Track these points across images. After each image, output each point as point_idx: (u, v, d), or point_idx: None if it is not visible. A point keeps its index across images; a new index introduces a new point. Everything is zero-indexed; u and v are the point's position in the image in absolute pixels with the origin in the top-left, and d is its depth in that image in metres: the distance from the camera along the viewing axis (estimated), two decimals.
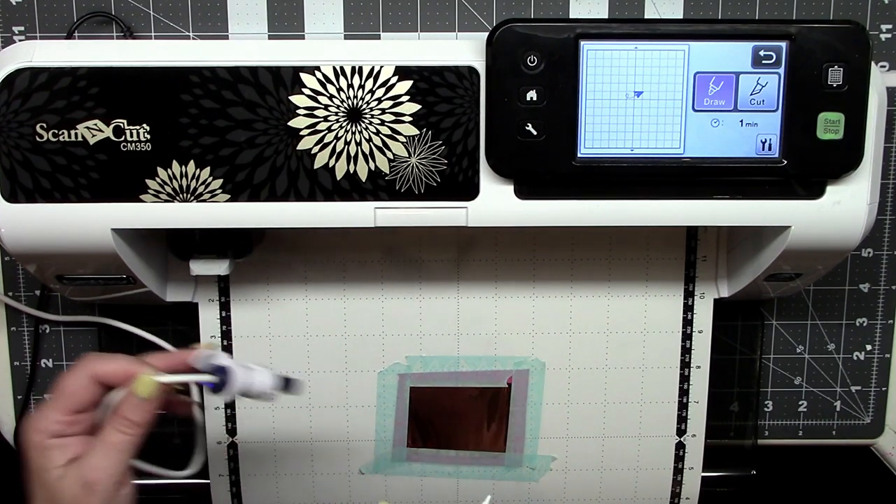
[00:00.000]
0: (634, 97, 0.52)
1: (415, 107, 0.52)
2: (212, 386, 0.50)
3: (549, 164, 0.52)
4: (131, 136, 0.51)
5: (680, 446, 0.67)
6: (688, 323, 0.65)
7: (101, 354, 0.50)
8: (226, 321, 0.64)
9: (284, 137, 0.52)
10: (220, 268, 0.58)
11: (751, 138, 0.52)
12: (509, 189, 0.53)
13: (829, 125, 0.51)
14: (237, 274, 0.62)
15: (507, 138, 0.51)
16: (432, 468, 0.67)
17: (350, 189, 0.53)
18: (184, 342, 0.63)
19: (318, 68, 0.51)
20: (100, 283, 0.59)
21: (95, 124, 0.51)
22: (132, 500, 0.49)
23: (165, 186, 0.52)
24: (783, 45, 0.51)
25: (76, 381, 0.48)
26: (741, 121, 0.52)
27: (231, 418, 0.66)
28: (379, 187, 0.53)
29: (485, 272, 0.64)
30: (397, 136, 0.52)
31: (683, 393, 0.66)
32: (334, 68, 0.51)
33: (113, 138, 0.51)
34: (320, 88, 0.51)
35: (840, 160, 0.52)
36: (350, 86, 0.51)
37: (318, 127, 0.52)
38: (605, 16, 0.64)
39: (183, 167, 0.52)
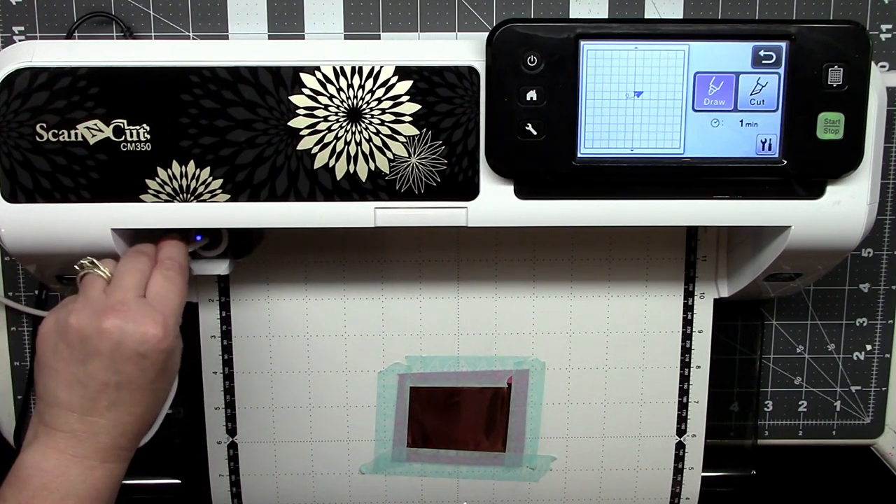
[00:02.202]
0: (634, 97, 0.52)
1: (415, 107, 0.52)
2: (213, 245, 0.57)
3: (549, 164, 0.52)
4: (131, 136, 0.51)
5: (680, 446, 0.67)
6: (688, 323, 0.65)
7: (169, 260, 0.52)
8: (226, 321, 0.64)
9: (284, 137, 0.52)
10: (220, 268, 0.58)
11: (751, 138, 0.52)
12: (509, 189, 0.53)
13: (829, 125, 0.51)
14: (237, 274, 0.62)
15: (507, 138, 0.51)
16: (432, 468, 0.67)
17: (350, 189, 0.53)
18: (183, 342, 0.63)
19: (318, 68, 0.51)
20: None
21: (95, 124, 0.51)
22: None
23: (165, 186, 0.52)
24: (783, 45, 0.51)
25: (186, 290, 0.52)
26: (741, 121, 0.52)
27: (231, 418, 0.66)
28: (379, 187, 0.53)
29: (485, 272, 0.64)
30: (397, 136, 0.52)
31: (683, 393, 0.66)
32: (334, 68, 0.51)
33: (113, 138, 0.51)
34: (320, 88, 0.51)
35: (840, 160, 0.52)
36: (350, 86, 0.51)
37: (318, 127, 0.52)
38: (605, 16, 0.64)
39: (183, 167, 0.52)
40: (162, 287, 0.50)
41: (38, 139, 0.51)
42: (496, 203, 0.53)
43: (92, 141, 0.51)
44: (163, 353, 0.48)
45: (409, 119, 0.52)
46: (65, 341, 0.47)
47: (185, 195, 0.52)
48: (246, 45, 0.53)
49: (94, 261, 0.51)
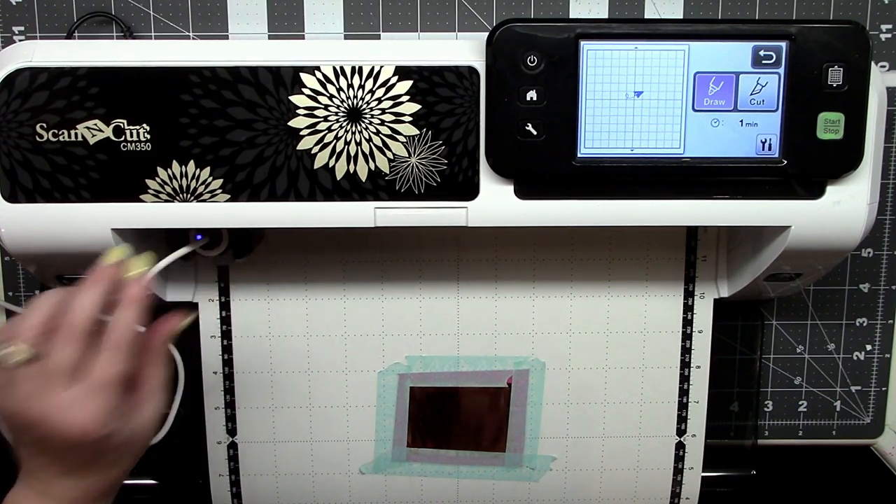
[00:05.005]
0: (634, 97, 0.52)
1: (415, 107, 0.52)
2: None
3: (549, 164, 0.52)
4: (131, 136, 0.51)
5: (680, 446, 0.67)
6: (688, 323, 0.65)
7: (121, 331, 0.46)
8: (226, 321, 0.64)
9: (284, 137, 0.52)
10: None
11: (751, 138, 0.52)
12: (509, 189, 0.53)
13: (829, 125, 0.51)
14: (237, 274, 0.62)
15: (507, 138, 0.51)
16: (432, 468, 0.67)
17: (350, 189, 0.53)
18: (183, 342, 0.63)
19: (318, 68, 0.51)
20: None
21: (95, 124, 0.51)
22: None
23: (165, 186, 0.52)
24: (783, 45, 0.51)
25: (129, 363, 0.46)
26: (741, 121, 0.52)
27: (231, 418, 0.66)
28: (379, 187, 0.53)
29: (485, 272, 0.64)
30: (397, 136, 0.52)
31: (683, 393, 0.66)
32: (334, 68, 0.51)
33: (113, 138, 0.51)
34: (320, 88, 0.51)
35: (840, 160, 0.52)
36: (350, 86, 0.52)
37: (318, 127, 0.52)
38: (605, 16, 0.64)
39: (183, 167, 0.52)
40: (102, 375, 0.44)
41: (38, 139, 0.51)
42: (496, 203, 0.53)
43: (92, 141, 0.51)
44: (101, 439, 0.44)
45: (409, 119, 0.52)
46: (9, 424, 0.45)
47: (185, 195, 0.52)
48: (246, 45, 0.53)
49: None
